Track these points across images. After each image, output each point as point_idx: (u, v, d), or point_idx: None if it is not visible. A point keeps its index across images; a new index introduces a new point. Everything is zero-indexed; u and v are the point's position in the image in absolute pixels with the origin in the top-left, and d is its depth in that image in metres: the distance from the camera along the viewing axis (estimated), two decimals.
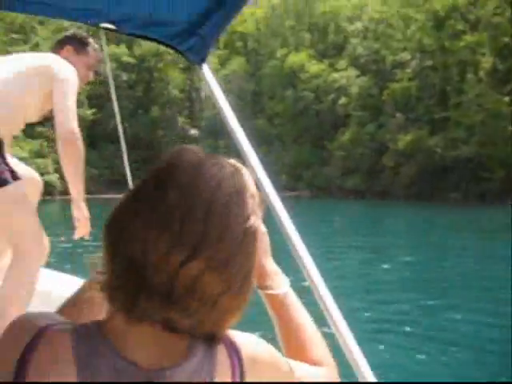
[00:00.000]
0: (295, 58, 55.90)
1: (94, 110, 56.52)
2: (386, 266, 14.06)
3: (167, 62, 60.92)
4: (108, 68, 2.99)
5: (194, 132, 61.18)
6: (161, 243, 0.79)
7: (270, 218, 1.50)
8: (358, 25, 55.11)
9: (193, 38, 1.91)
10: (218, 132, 59.00)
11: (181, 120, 60.51)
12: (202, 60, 2.01)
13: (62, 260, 12.83)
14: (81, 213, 3.08)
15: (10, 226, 2.87)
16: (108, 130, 59.35)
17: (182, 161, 0.86)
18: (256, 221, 0.87)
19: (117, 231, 0.84)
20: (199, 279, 0.80)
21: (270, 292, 1.14)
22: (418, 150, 43.77)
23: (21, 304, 2.76)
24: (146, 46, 61.93)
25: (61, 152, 2.92)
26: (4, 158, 2.85)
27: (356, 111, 50.58)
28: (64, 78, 2.94)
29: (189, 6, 1.76)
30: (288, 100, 55.70)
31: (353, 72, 52.26)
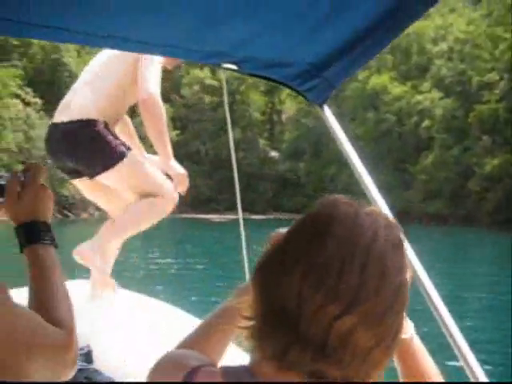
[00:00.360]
0: (377, 80, 55.30)
1: (177, 132, 58.14)
2: (468, 295, 13.51)
3: (249, 84, 61.89)
4: (225, 103, 3.06)
5: (274, 154, 61.61)
6: (317, 295, 0.78)
7: None
8: (443, 46, 53.91)
9: (315, 79, 1.93)
10: (298, 154, 59.17)
11: (261, 142, 61.13)
12: (323, 101, 2.04)
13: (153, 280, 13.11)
14: (174, 171, 3.28)
15: (140, 185, 3.21)
16: (191, 151, 60.90)
17: (338, 212, 0.85)
18: (409, 272, 0.86)
19: (270, 279, 0.83)
20: (353, 333, 0.78)
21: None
22: (506, 174, 41.93)
23: (123, 236, 3.20)
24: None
25: (142, 116, 3.12)
26: (114, 135, 3.19)
27: (440, 134, 49.24)
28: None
29: (314, 49, 1.78)
30: (370, 122, 55.04)
31: (437, 94, 51.05)
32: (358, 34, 1.65)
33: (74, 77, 54.12)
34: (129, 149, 3.21)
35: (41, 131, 47.18)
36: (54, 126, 3.24)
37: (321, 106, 2.04)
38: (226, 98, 3.15)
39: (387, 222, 0.87)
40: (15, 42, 53.64)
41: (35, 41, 55.25)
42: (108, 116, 3.22)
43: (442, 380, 1.13)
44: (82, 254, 3.22)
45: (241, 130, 60.23)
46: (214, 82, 61.83)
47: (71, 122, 3.15)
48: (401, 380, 1.14)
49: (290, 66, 1.88)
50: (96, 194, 3.42)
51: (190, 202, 56.35)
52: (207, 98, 61.07)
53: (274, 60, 1.85)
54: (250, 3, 1.48)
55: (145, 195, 3.23)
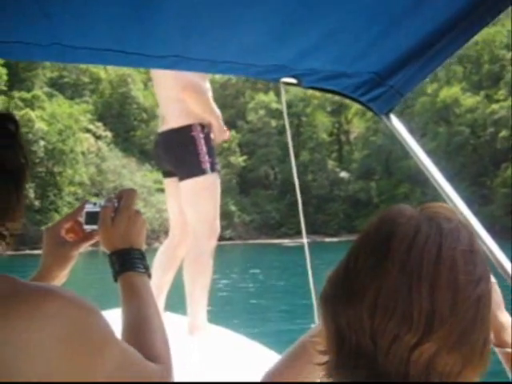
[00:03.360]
0: (448, 93, 53.50)
1: (245, 157, 58.28)
2: None
3: (315, 106, 61.42)
4: (286, 122, 2.98)
5: (344, 175, 60.50)
6: (389, 327, 0.73)
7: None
8: None
9: (379, 88, 1.89)
10: (368, 174, 57.86)
11: (330, 163, 60.27)
12: (389, 111, 2.00)
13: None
14: (220, 130, 3.59)
15: (194, 207, 3.46)
16: (259, 176, 60.90)
17: (398, 229, 0.77)
18: (488, 281, 0.78)
19: (337, 312, 0.78)
20: (435, 360, 0.73)
21: (509, 350, 1.05)
22: None
23: (202, 283, 3.42)
24: (293, 92, 63.12)
25: (188, 102, 3.46)
26: (210, 149, 3.46)
27: None
28: None
29: (379, 57, 1.74)
30: (442, 137, 53.16)
31: None
32: (427, 39, 1.60)
33: (142, 109, 55.82)
34: (214, 170, 3.46)
35: (112, 163, 48.60)
36: (158, 135, 3.70)
37: (387, 115, 1.99)
38: (285, 116, 2.99)
39: (453, 227, 0.78)
40: (86, 80, 55.77)
41: (104, 76, 57.29)
42: (200, 117, 3.50)
43: None
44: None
45: (308, 152, 59.74)
46: (280, 106, 61.75)
47: (170, 131, 3.51)
48: None
49: (353, 77, 1.83)
50: (172, 198, 3.67)
51: (260, 227, 56.12)
52: (273, 122, 60.99)
53: (335, 71, 1.80)
54: (309, 15, 1.44)
55: (191, 221, 3.48)
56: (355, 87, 1.90)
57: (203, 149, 3.45)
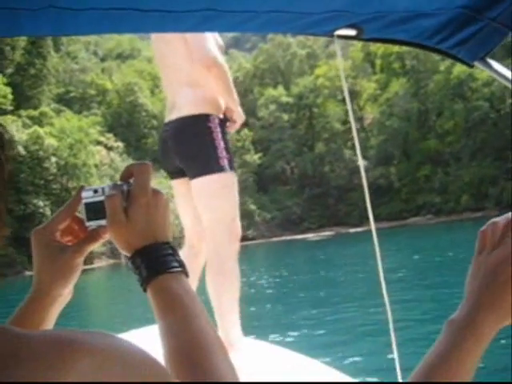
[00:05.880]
0: (461, 68, 52.09)
1: (260, 155, 57.56)
2: None
3: (325, 96, 60.45)
4: (342, 77, 2.55)
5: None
6: None
7: None
8: None
9: (472, 26, 1.59)
10: (387, 159, 56.77)
11: (347, 152, 59.24)
12: (486, 54, 1.70)
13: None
14: (239, 116, 3.26)
15: (212, 207, 3.13)
16: (276, 173, 60.24)
17: None
18: None
19: None
20: None
21: None
22: None
23: (231, 293, 3.07)
24: (302, 83, 62.32)
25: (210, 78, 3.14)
26: (227, 144, 3.15)
27: None
28: None
29: None
30: (459, 114, 51.86)
31: None
32: None
33: (151, 116, 55.38)
34: (232, 168, 3.17)
35: None
36: (166, 125, 3.29)
37: (483, 59, 1.68)
38: (343, 78, 2.54)
39: None
40: (92, 92, 55.54)
41: (110, 87, 56.94)
42: (218, 106, 3.19)
43: None
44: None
45: (324, 143, 58.88)
46: (290, 99, 61.03)
47: (182, 118, 3.14)
48: None
49: (431, 17, 1.55)
50: (185, 202, 3.32)
51: (281, 223, 55.39)
52: (285, 116, 60.22)
53: (407, 12, 1.52)
54: None
55: (208, 224, 3.15)
56: (433, 31, 1.60)
57: (221, 143, 3.13)
